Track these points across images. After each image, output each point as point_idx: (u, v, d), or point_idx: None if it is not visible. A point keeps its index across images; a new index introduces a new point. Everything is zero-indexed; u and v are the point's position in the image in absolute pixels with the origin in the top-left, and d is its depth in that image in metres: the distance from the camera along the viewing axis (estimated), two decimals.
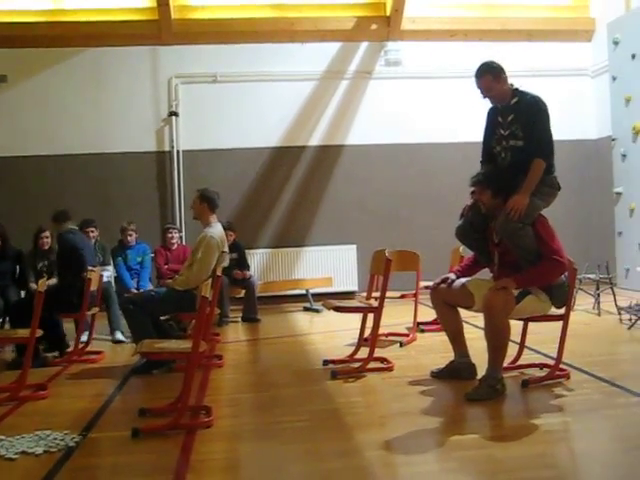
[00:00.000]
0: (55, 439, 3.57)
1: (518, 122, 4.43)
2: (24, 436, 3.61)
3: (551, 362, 4.64)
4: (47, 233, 7.12)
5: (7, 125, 9.05)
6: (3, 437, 3.60)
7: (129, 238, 7.68)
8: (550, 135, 4.42)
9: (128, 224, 7.73)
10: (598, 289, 7.41)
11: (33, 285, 6.73)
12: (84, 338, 6.35)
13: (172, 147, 9.36)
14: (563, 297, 4.38)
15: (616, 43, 8.94)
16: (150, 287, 7.42)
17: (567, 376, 4.52)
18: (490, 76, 4.46)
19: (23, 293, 7.04)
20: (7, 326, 6.79)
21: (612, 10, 9.20)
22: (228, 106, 9.40)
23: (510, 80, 4.60)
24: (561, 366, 4.55)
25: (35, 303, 4.61)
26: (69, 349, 6.03)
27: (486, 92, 4.51)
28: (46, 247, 7.12)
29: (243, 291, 8.10)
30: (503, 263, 4.44)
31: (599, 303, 7.30)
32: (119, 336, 6.75)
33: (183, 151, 9.37)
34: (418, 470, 3.12)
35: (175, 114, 9.35)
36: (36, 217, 7.72)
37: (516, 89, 4.53)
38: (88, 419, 4.01)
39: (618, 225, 9.07)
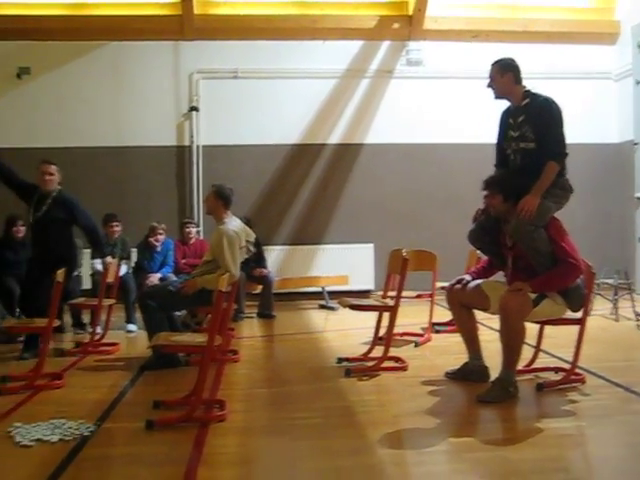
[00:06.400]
0: (70, 428, 3.61)
1: (528, 123, 4.41)
2: (40, 424, 3.66)
3: (567, 366, 4.61)
4: None
5: (29, 117, 9.12)
6: (20, 424, 3.65)
7: (158, 239, 7.53)
8: (563, 137, 4.38)
9: (158, 224, 7.59)
10: (616, 294, 7.35)
11: None
12: (97, 329, 6.41)
13: (192, 142, 9.40)
14: (579, 301, 4.36)
15: None
16: (172, 275, 7.40)
17: (582, 381, 4.49)
18: (497, 67, 4.53)
19: None
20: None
21: (638, 13, 9.11)
22: (248, 102, 9.42)
23: (531, 82, 4.58)
24: (577, 370, 4.52)
25: (53, 293, 4.66)
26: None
27: (490, 81, 4.56)
28: None
29: (259, 287, 8.12)
30: (517, 267, 4.41)
31: (617, 308, 7.24)
32: (131, 327, 6.83)
33: (203, 146, 9.41)
34: (429, 470, 3.12)
35: (195, 109, 9.39)
36: None
37: (528, 91, 4.51)
38: (103, 409, 4.04)
39: (639, 230, 8.99)
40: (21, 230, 6.98)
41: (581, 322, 4.44)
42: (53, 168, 5.87)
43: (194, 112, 9.39)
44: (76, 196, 6.08)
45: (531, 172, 4.32)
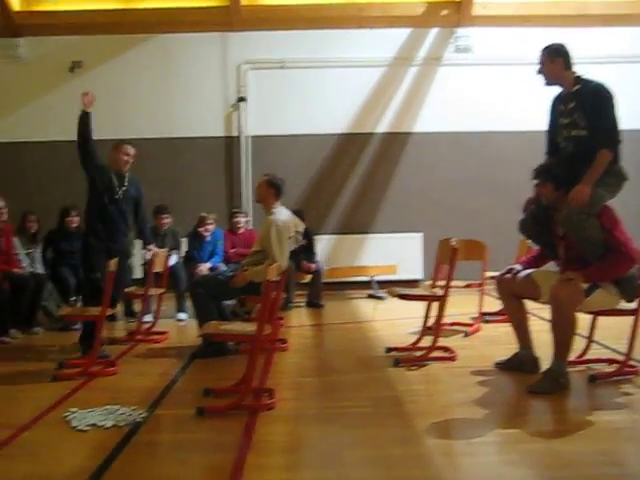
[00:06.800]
0: (123, 414, 3.70)
1: (580, 110, 4.30)
2: (94, 410, 3.76)
3: (620, 358, 4.52)
4: None
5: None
6: (75, 410, 3.76)
7: (208, 229, 7.58)
8: (616, 124, 4.25)
9: (208, 214, 7.62)
10: None
11: None
12: (148, 318, 6.53)
13: (240, 132, 9.47)
14: (634, 291, 4.25)
15: None
16: (221, 265, 7.48)
17: (637, 373, 4.39)
18: (547, 52, 4.44)
19: None
20: (79, 304, 7.06)
21: None
22: (296, 92, 9.44)
23: (585, 67, 4.48)
24: (631, 362, 4.42)
25: (106, 282, 4.77)
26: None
27: (540, 67, 4.46)
28: None
29: (308, 276, 8.15)
30: (569, 257, 4.33)
31: None
32: (181, 316, 6.94)
33: (251, 137, 9.48)
34: (479, 461, 3.10)
35: (243, 100, 9.45)
36: None
37: (579, 76, 4.40)
38: (154, 396, 4.13)
39: None
40: (75, 220, 7.14)
41: (636, 313, 4.34)
42: (133, 150, 5.79)
43: (242, 103, 9.46)
44: None
45: (583, 160, 4.22)
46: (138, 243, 7.45)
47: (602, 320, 4.67)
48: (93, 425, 3.54)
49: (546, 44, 4.50)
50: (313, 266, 8.13)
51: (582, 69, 4.46)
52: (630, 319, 4.36)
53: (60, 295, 6.82)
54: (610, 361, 4.65)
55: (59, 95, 9.30)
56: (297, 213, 7.22)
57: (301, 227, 5.77)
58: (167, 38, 9.41)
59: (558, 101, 4.51)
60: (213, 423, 3.62)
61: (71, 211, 7.12)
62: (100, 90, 9.27)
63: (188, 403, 3.90)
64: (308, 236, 8.08)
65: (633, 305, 4.34)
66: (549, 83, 4.49)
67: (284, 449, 3.31)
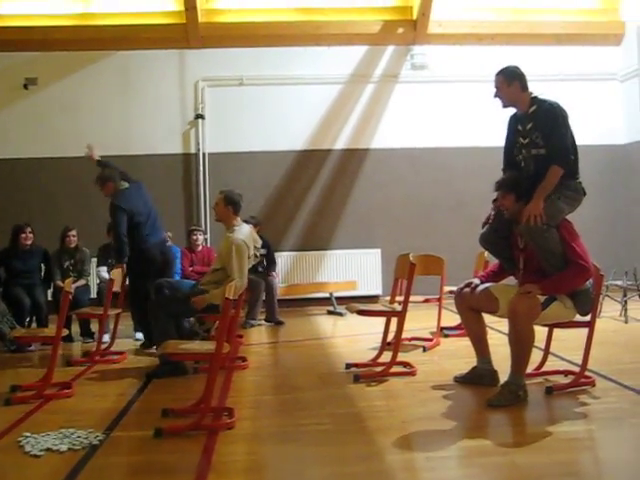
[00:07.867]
0: (79, 437, 3.61)
1: (537, 130, 4.38)
2: (49, 433, 3.66)
3: (576, 369, 4.59)
4: (74, 232, 7.23)
5: (37, 127, 9.16)
6: (29, 434, 3.65)
7: None
8: (570, 141, 4.34)
9: (165, 232, 7.57)
10: (625, 296, 7.32)
11: (59, 283, 6.82)
12: (105, 338, 6.41)
13: (198, 150, 9.43)
14: (587, 305, 4.33)
15: None
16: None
17: (592, 384, 4.46)
18: (502, 77, 4.49)
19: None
20: (34, 325, 6.92)
21: None
22: (254, 109, 9.44)
23: (537, 84, 4.56)
24: (586, 373, 4.49)
25: (61, 301, 4.68)
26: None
27: (496, 91, 4.52)
28: (72, 245, 7.22)
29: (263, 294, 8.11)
30: (528, 269, 4.40)
31: (626, 310, 7.21)
32: (139, 336, 6.82)
33: (209, 154, 9.44)
34: (440, 475, 3.11)
35: (201, 117, 9.42)
36: (62, 217, 7.85)
37: (534, 97, 4.47)
38: (111, 418, 4.05)
39: None
40: (29, 238, 6.99)
41: (590, 324, 4.42)
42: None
43: (200, 120, 9.43)
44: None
45: (544, 177, 4.30)
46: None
47: (558, 332, 4.74)
48: (48, 450, 3.44)
49: (500, 63, 4.57)
50: (274, 273, 8.13)
51: (536, 87, 4.55)
52: (585, 331, 4.43)
53: (14, 316, 6.65)
54: (566, 372, 4.73)
55: (13, 112, 9.16)
56: (253, 220, 7.22)
57: (259, 243, 5.75)
58: (124, 55, 9.34)
59: (515, 120, 4.57)
60: (172, 444, 3.56)
61: (25, 228, 6.97)
62: (55, 108, 9.25)
63: (146, 424, 3.83)
64: (267, 245, 8.05)
65: (588, 317, 4.42)
66: (506, 106, 4.56)
67: (245, 469, 3.28)
